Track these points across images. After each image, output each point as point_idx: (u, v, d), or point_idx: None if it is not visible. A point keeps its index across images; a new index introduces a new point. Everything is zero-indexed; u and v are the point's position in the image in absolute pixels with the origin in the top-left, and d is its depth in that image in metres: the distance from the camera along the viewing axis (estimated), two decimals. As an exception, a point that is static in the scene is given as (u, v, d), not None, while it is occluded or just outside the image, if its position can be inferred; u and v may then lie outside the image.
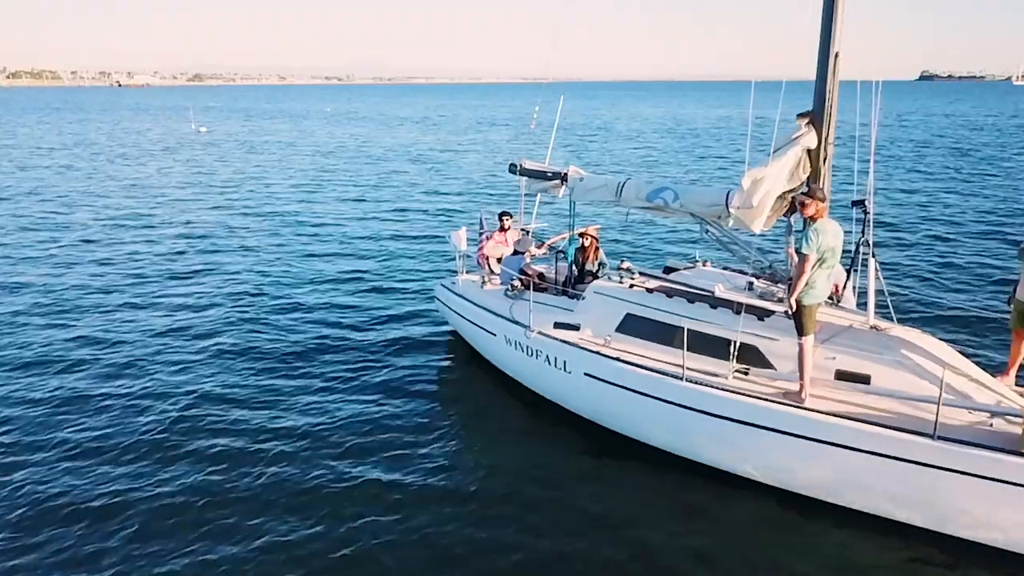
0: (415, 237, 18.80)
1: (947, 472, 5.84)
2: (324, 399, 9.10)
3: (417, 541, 6.37)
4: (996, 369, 7.26)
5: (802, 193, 6.77)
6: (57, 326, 11.87)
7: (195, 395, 9.24)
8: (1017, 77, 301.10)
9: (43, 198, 24.78)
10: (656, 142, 46.22)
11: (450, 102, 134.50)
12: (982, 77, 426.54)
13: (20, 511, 6.89)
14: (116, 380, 9.76)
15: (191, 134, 54.69)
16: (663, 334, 7.64)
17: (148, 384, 9.61)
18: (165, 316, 12.33)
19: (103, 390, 9.44)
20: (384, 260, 16.36)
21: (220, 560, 6.17)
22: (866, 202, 7.20)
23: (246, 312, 12.46)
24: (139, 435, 8.27)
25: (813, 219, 6.52)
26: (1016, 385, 7.03)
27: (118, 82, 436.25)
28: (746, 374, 7.15)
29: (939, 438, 5.86)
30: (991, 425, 6.10)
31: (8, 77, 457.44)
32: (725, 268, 8.98)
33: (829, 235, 6.45)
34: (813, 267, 6.40)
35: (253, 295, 13.49)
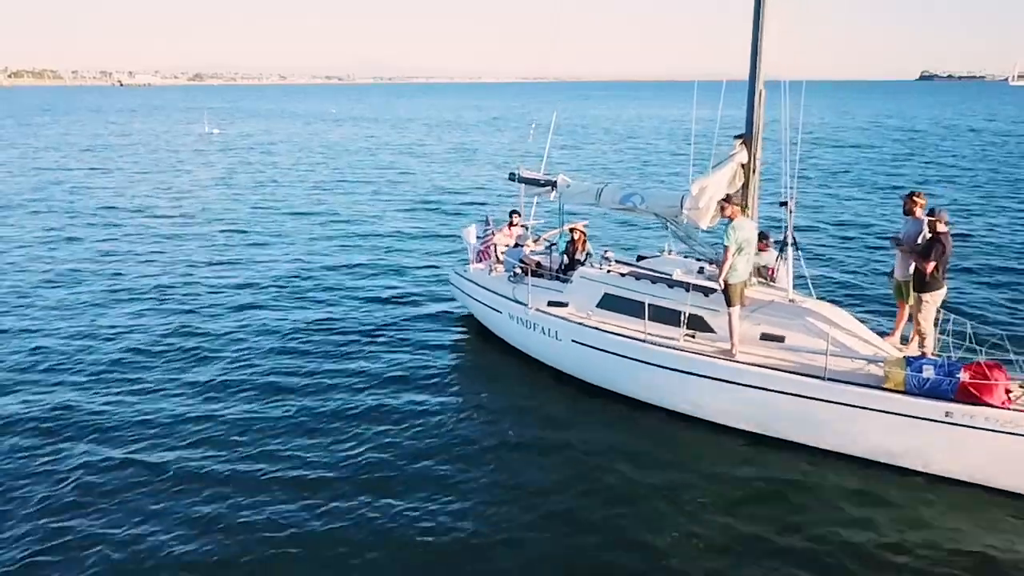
0: (426, 231, 20.95)
1: (831, 404, 7.99)
2: (354, 367, 11.21)
3: (436, 468, 8.52)
4: (886, 331, 9.41)
5: (722, 200, 8.94)
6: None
7: (245, 362, 11.39)
8: (1013, 77, 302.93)
9: (94, 197, 26.96)
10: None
11: (452, 103, 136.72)
12: (982, 77, 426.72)
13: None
14: (168, 353, 11.91)
15: (204, 136, 56.81)
16: (632, 308, 9.79)
17: (196, 360, 11.76)
18: (216, 295, 14.48)
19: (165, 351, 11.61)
20: (399, 251, 18.53)
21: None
22: (789, 202, 9.39)
23: (291, 290, 14.63)
24: (195, 412, 10.43)
25: (731, 218, 8.68)
26: (901, 343, 9.17)
27: (120, 81, 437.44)
28: (693, 337, 9.31)
29: (828, 379, 8.01)
30: (867, 370, 8.24)
31: (10, 76, 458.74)
32: (686, 256, 11.12)
33: (744, 230, 8.62)
34: (733, 255, 8.55)
35: (292, 278, 15.65)
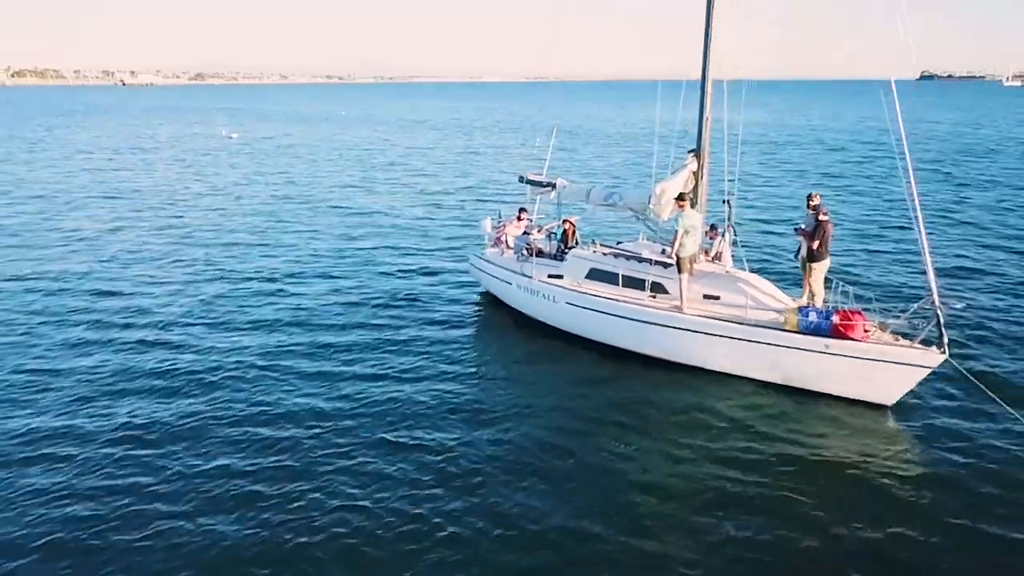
0: (445, 224, 24.26)
1: (748, 342, 11.31)
2: (387, 335, 14.46)
3: (455, 402, 11.83)
4: (798, 294, 12.73)
5: (676, 198, 12.27)
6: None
7: (286, 339, 14.70)
8: (1007, 78, 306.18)
9: (122, 196, 30.29)
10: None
11: (455, 105, 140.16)
12: (982, 77, 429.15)
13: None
14: (201, 334, 15.21)
15: (223, 139, 60.11)
16: (610, 278, 13.11)
17: (229, 339, 15.07)
18: (255, 278, 17.78)
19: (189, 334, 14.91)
20: (423, 239, 21.83)
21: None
22: (730, 200, 12.74)
23: (334, 271, 17.95)
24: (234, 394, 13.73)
25: (682, 210, 12.01)
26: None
27: (122, 81, 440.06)
28: (654, 298, 12.64)
29: (746, 324, 11.33)
30: (773, 318, 11.55)
31: (13, 76, 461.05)
32: (653, 241, 14.43)
33: (691, 219, 11.95)
34: (682, 235, 11.85)
35: (334, 261, 18.96)
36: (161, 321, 14.76)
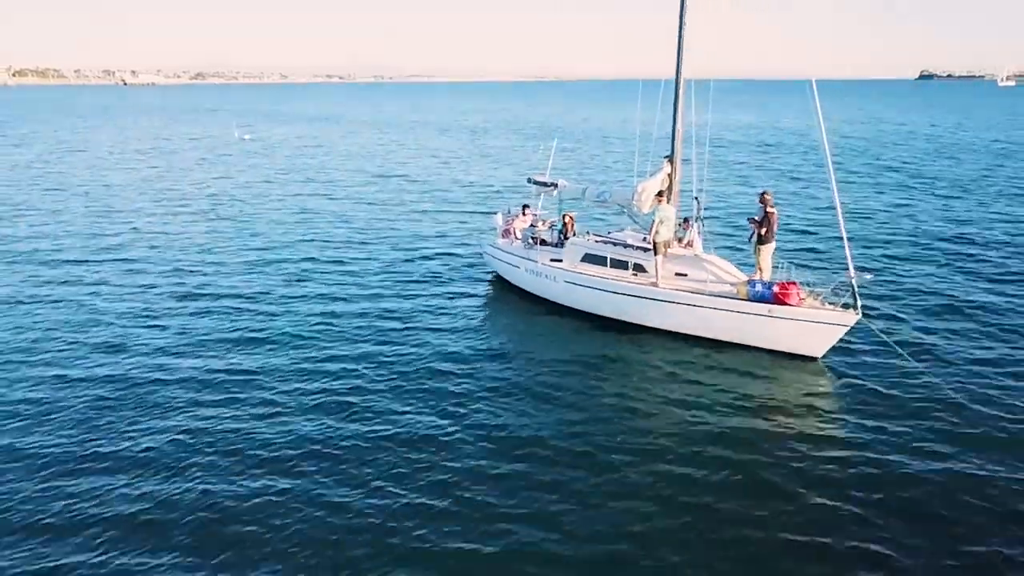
0: (457, 217, 27.18)
1: (707, 308, 14.25)
2: (409, 306, 17.41)
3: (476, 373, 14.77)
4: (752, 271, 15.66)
5: (655, 195, 15.22)
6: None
7: (319, 318, 17.62)
8: (1002, 78, 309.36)
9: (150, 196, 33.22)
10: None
11: (458, 106, 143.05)
12: (981, 76, 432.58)
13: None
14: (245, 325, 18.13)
15: (236, 142, 62.99)
16: (600, 260, 16.03)
17: (263, 325, 17.99)
18: (286, 265, 20.69)
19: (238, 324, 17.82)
20: (439, 231, 24.75)
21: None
22: (699, 197, 15.73)
23: (357, 256, 20.86)
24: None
25: (658, 204, 14.97)
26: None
27: (123, 80, 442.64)
28: (636, 276, 15.55)
29: (706, 295, 14.29)
30: (728, 289, 14.49)
31: (14, 75, 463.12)
32: (636, 231, 17.36)
33: (665, 211, 14.85)
34: (658, 224, 14.78)
35: (356, 249, 21.87)
36: (238, 292, 17.71)
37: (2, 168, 43.07)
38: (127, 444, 10.82)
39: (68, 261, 21.21)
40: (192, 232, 25.37)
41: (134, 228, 25.93)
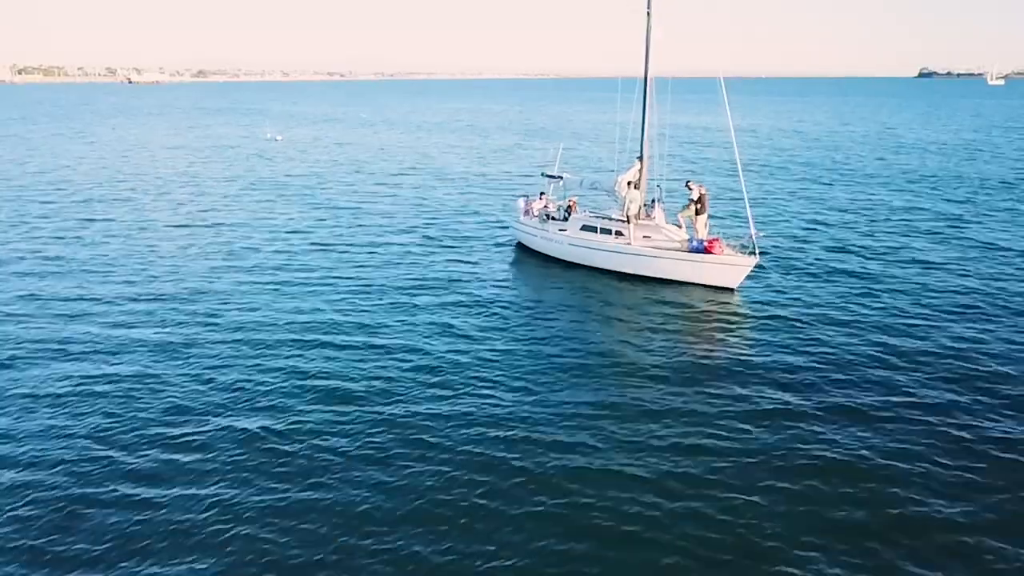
0: (485, 202, 34.55)
1: (662, 259, 21.69)
2: (460, 268, 24.77)
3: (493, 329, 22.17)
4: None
5: (629, 183, 22.72)
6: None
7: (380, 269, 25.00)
8: (991, 76, 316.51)
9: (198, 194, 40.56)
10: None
11: (461, 106, 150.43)
12: (981, 75, 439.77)
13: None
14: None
15: (270, 141, 70.31)
16: (593, 229, 23.38)
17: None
18: (330, 250, 28.02)
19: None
20: (473, 213, 32.11)
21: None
22: (660, 185, 23.26)
23: (407, 239, 28.20)
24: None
25: (630, 189, 22.43)
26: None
27: (129, 79, 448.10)
28: (616, 239, 22.95)
29: (661, 248, 21.75)
30: (676, 245, 21.91)
31: (19, 73, 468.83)
32: (619, 208, 24.75)
33: (633, 195, 22.27)
34: (628, 203, 22.20)
35: (407, 233, 29.21)
36: (282, 279, 25.05)
37: (92, 164, 50.39)
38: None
39: (215, 231, 28.61)
40: (280, 217, 32.79)
41: (242, 210, 33.35)
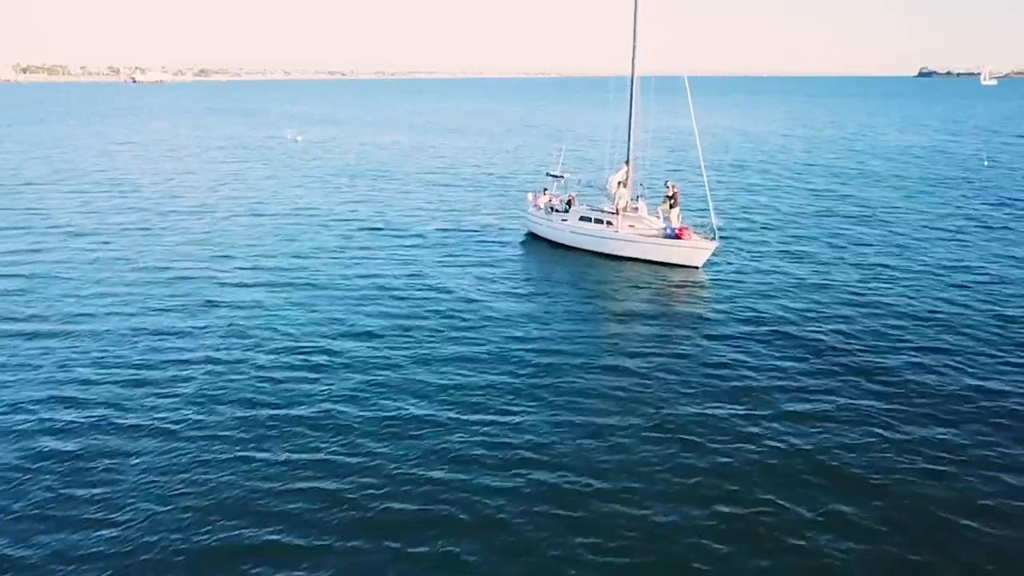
0: (499, 195, 39.99)
1: (643, 244, 27.23)
2: (479, 251, 30.28)
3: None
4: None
5: (618, 181, 28.30)
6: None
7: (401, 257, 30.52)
8: (984, 76, 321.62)
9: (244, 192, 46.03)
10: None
11: (464, 107, 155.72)
12: (979, 74, 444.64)
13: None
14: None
15: (291, 142, 75.68)
16: (589, 219, 28.86)
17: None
18: (350, 246, 33.49)
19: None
20: (489, 206, 37.57)
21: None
22: (643, 183, 28.89)
23: (428, 224, 33.67)
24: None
25: (620, 187, 28.01)
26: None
27: (133, 78, 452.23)
28: (607, 227, 28.48)
29: (643, 235, 27.32)
30: (655, 233, 27.47)
31: (23, 71, 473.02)
32: (610, 202, 30.30)
33: (621, 191, 27.82)
34: (618, 198, 27.74)
35: (427, 220, 34.67)
36: (314, 277, 30.53)
37: (145, 163, 55.83)
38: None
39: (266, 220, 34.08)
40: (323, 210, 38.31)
41: (290, 202, 38.85)
